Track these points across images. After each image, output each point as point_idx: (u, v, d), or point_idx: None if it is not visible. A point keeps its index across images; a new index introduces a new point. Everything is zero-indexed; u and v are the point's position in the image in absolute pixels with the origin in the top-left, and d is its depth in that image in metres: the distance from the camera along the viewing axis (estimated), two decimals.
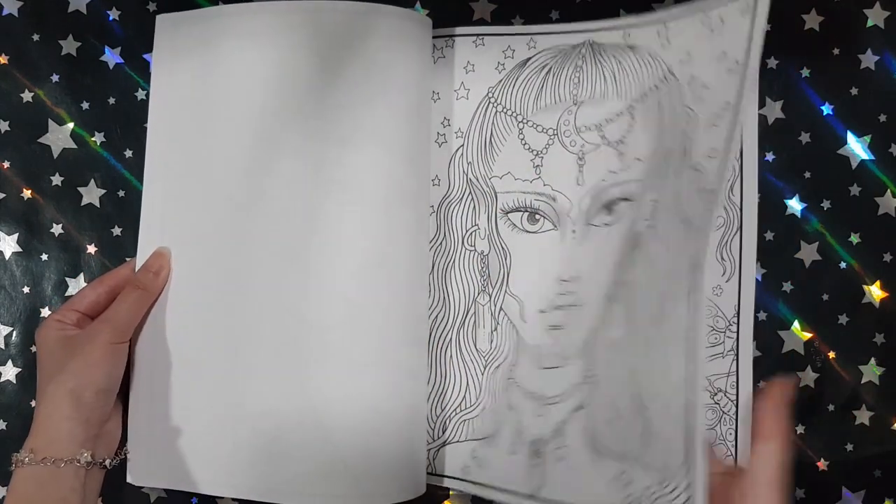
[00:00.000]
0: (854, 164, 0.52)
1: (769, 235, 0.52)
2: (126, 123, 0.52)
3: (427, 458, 0.50)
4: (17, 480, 0.42)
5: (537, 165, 0.50)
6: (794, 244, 0.52)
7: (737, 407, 0.51)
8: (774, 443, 0.41)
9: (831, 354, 0.52)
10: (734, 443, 0.51)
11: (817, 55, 0.52)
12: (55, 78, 0.52)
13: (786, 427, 0.41)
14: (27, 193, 0.51)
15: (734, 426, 0.51)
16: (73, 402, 0.43)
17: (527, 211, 0.49)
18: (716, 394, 0.51)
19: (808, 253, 0.52)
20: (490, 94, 0.50)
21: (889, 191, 0.52)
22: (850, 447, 0.52)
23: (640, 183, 0.47)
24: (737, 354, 0.51)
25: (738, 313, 0.51)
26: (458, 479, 0.50)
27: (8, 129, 0.51)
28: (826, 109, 0.52)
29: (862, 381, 0.52)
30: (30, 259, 0.51)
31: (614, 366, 0.46)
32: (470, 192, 0.51)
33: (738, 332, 0.51)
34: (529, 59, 0.50)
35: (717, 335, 0.51)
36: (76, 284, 0.51)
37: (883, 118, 0.52)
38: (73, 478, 0.42)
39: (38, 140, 0.52)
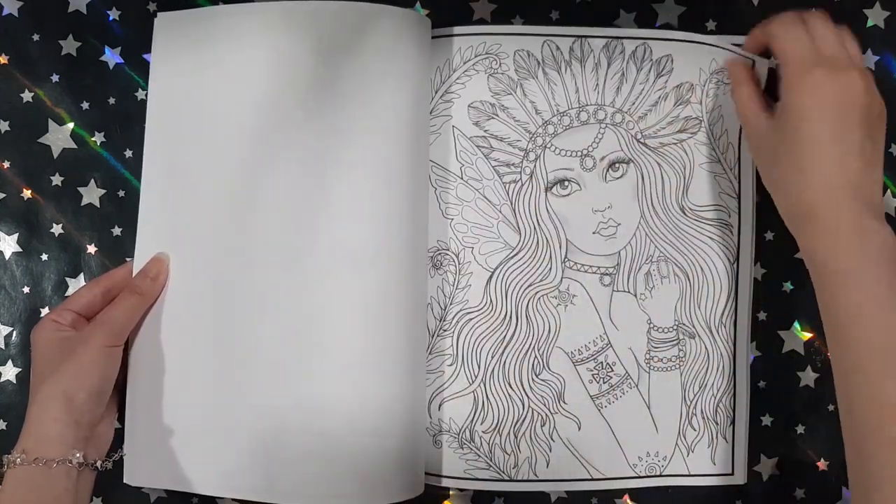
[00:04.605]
0: None
1: (769, 235, 0.52)
2: (126, 123, 0.52)
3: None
4: (9, 481, 0.42)
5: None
6: (794, 244, 0.52)
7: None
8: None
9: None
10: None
11: None
12: (55, 78, 0.52)
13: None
14: (27, 193, 0.51)
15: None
16: (65, 404, 0.43)
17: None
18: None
19: None
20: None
21: (889, 191, 0.52)
22: None
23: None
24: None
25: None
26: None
27: (8, 129, 0.51)
28: None
29: None
30: (30, 259, 0.51)
31: None
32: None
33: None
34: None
35: None
36: (76, 284, 0.51)
37: None
38: (66, 478, 0.42)
39: (38, 140, 0.52)
